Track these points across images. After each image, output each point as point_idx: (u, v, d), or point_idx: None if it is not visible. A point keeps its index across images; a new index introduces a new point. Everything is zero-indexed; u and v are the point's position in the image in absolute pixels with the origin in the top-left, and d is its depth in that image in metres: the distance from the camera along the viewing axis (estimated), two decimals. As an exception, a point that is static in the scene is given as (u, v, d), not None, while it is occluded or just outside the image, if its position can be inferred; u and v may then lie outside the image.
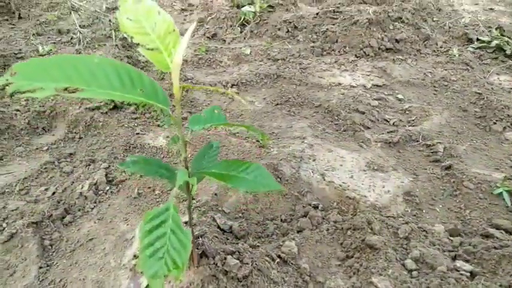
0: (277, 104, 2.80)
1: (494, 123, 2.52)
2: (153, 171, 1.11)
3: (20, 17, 4.07)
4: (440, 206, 1.89)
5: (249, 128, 1.14)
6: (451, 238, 1.66)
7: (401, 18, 3.67)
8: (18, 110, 2.54)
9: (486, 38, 3.47)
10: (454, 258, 1.53)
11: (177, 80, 0.98)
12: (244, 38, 3.77)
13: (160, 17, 1.02)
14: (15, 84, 0.92)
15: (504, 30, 3.57)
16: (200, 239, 1.41)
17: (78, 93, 0.91)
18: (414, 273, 1.45)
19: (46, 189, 1.93)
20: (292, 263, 1.50)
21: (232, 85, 3.03)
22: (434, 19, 3.94)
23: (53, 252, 1.64)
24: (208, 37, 3.88)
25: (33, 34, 3.58)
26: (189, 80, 3.03)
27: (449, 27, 3.78)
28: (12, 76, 0.95)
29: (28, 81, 0.95)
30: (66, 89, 0.93)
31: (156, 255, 0.91)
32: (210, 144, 1.22)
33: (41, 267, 1.55)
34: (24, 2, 4.31)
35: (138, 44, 1.00)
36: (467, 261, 1.51)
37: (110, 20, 3.51)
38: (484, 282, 1.35)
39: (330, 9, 3.87)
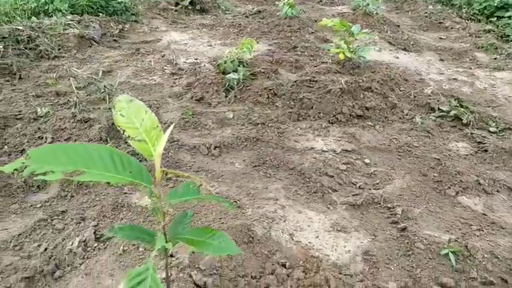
0: (255, 166, 3.07)
1: (449, 187, 2.81)
2: (136, 236, 1.34)
3: (20, 78, 4.38)
4: (395, 264, 2.11)
5: (219, 200, 1.39)
6: (401, 295, 1.87)
7: (370, 88, 4.07)
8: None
9: (446, 108, 3.86)
10: (401, 313, 1.74)
11: (159, 166, 1.24)
12: (229, 103, 4.10)
13: (147, 115, 1.30)
14: (29, 167, 1.17)
15: (462, 101, 3.97)
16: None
17: (79, 177, 1.16)
18: (364, 326, 1.65)
19: (39, 246, 2.12)
20: (257, 317, 1.69)
21: (215, 147, 3.30)
22: (401, 89, 4.35)
23: (42, 305, 1.81)
24: (196, 100, 4.21)
25: (33, 96, 3.87)
26: (175, 142, 3.31)
27: (414, 97, 4.19)
28: (27, 160, 1.20)
29: (40, 164, 1.20)
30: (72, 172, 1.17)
31: (136, 307, 1.12)
32: (184, 212, 1.46)
33: (30, 320, 1.72)
34: (25, 64, 4.64)
35: (128, 137, 1.26)
36: (411, 316, 1.72)
37: (104, 86, 3.82)
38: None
39: (307, 78, 4.27)
